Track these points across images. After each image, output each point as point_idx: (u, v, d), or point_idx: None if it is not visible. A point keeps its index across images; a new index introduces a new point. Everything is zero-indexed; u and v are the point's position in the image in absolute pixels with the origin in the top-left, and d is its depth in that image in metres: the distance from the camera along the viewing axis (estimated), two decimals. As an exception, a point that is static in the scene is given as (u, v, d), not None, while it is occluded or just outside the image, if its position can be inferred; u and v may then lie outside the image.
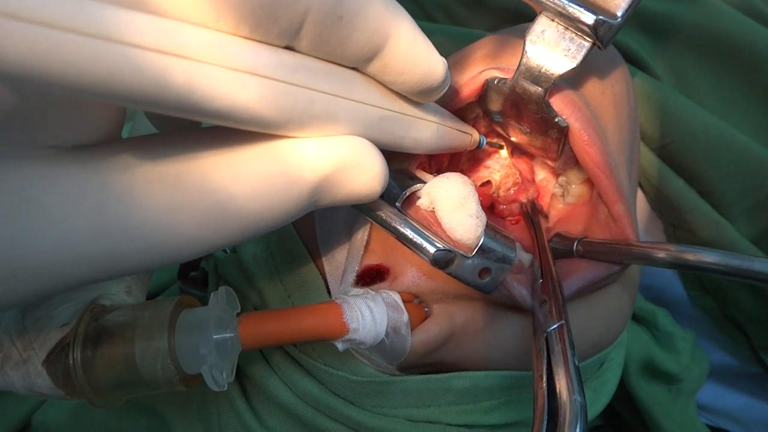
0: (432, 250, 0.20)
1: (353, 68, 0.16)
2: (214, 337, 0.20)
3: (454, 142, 0.22)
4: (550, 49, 0.21)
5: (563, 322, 0.17)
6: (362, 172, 0.16)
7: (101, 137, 0.14)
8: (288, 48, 0.14)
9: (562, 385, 0.14)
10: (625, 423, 0.40)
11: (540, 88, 0.22)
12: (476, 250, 0.21)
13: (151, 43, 0.11)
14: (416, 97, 0.18)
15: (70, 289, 0.15)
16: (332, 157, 0.15)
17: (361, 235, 0.23)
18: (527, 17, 0.21)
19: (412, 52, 0.15)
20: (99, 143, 0.14)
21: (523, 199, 0.30)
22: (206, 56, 0.12)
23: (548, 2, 0.20)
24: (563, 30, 0.21)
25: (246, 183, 0.14)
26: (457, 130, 0.22)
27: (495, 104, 0.25)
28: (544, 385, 0.15)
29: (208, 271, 0.32)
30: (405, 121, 0.18)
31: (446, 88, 0.18)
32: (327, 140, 0.15)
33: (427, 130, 0.19)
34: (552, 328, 0.17)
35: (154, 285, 0.39)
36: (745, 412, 0.43)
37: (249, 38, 0.13)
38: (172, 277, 0.37)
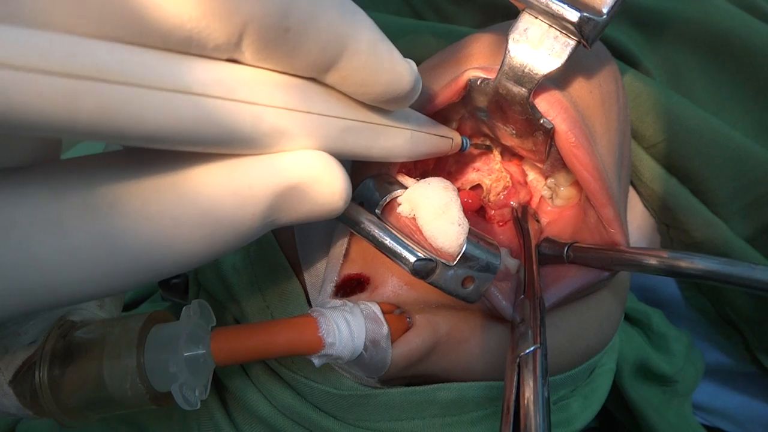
0: (412, 259, 0.20)
1: (310, 79, 0.15)
2: (185, 354, 0.19)
3: (431, 148, 0.21)
4: (534, 47, 0.20)
5: (538, 345, 0.16)
6: (322, 188, 0.15)
7: (33, 159, 0.13)
8: (231, 60, 0.13)
9: (528, 418, 0.14)
10: (619, 424, 0.40)
11: (524, 89, 0.21)
12: (458, 258, 0.20)
13: (57, 66, 0.10)
14: (384, 105, 0.16)
15: (8, 321, 0.14)
16: (286, 174, 0.14)
17: (341, 244, 0.23)
18: (516, 13, 0.20)
19: (373, 62, 0.14)
20: (31, 164, 0.13)
21: (514, 203, 0.30)
22: (122, 76, 0.11)
23: (531, -1, 0.19)
24: (547, 28, 0.20)
25: (192, 207, 0.13)
26: (435, 135, 0.21)
27: (480, 105, 0.24)
28: (511, 418, 0.14)
29: (189, 278, 0.32)
30: (372, 130, 0.17)
31: (417, 95, 0.17)
32: (281, 156, 0.14)
33: (399, 137, 0.18)
34: (526, 352, 0.16)
35: (137, 291, 0.38)
36: (741, 411, 0.43)
37: (182, 53, 0.12)
38: (155, 283, 0.36)
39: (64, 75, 0.10)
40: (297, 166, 0.14)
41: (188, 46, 0.12)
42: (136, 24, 0.11)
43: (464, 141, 0.24)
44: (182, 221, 0.13)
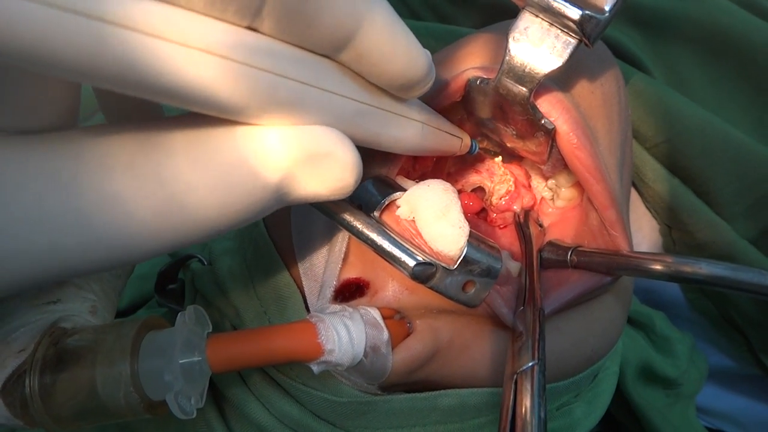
0: (411, 263, 0.19)
1: (326, 57, 0.15)
2: (181, 361, 0.18)
3: (441, 145, 0.21)
4: (535, 46, 0.20)
5: (536, 362, 0.15)
6: (333, 163, 0.14)
7: (51, 123, 0.13)
8: (251, 29, 0.13)
9: None
10: (622, 428, 0.39)
11: (524, 89, 0.20)
12: (459, 262, 0.20)
13: (85, 8, 0.10)
14: (397, 91, 0.16)
15: (13, 292, 0.13)
16: (299, 146, 0.14)
17: (340, 248, 0.22)
18: (516, 13, 0.20)
19: (389, 41, 0.14)
20: (49, 130, 0.13)
21: (516, 207, 0.29)
22: (148, 27, 0.11)
23: (531, -3, 0.19)
24: (548, 26, 0.20)
25: (205, 172, 0.13)
26: (445, 132, 0.21)
27: (480, 105, 0.24)
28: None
29: (185, 284, 0.31)
30: (383, 117, 0.17)
31: (430, 83, 0.17)
32: (294, 128, 0.14)
33: (410, 128, 0.18)
34: (524, 368, 0.15)
35: (134, 297, 0.38)
36: (744, 413, 0.43)
37: (204, 14, 0.12)
38: (152, 289, 0.36)
39: (91, 17, 0.10)
40: (311, 139, 0.14)
41: (210, 7, 0.12)
42: None
43: (473, 143, 0.24)
44: (196, 187, 0.13)
